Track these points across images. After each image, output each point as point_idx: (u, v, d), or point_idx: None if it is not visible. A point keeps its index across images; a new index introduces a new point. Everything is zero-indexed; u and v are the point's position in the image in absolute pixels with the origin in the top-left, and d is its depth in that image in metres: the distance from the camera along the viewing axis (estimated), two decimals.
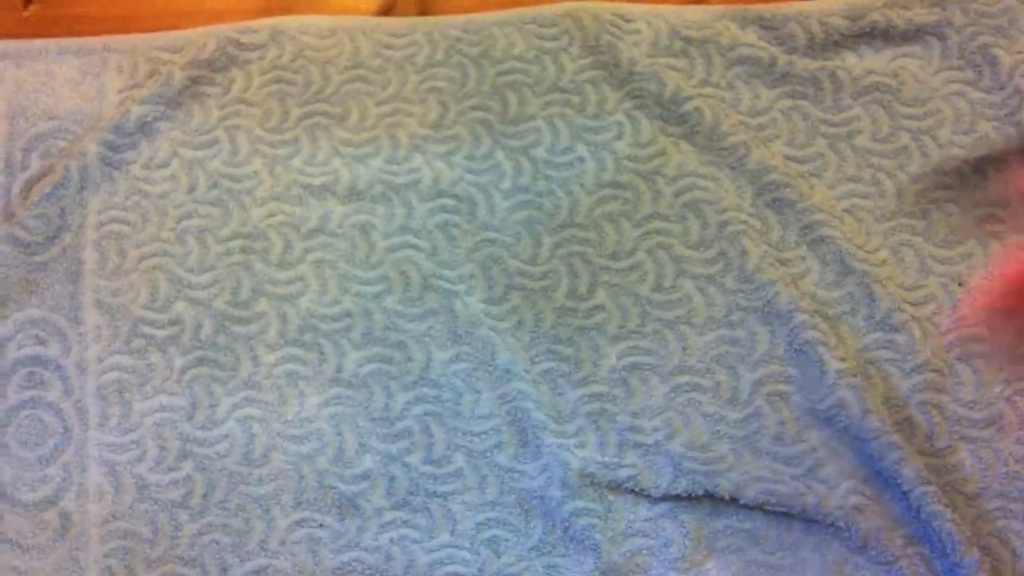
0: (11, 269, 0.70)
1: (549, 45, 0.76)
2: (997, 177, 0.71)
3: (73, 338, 0.69)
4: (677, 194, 0.72)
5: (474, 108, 0.74)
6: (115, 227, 0.71)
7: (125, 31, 0.77)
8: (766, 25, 0.76)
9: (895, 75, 0.74)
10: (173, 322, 0.69)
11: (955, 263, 0.70)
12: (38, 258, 0.70)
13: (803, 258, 0.70)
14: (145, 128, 0.73)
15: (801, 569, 0.64)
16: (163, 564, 0.65)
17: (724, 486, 0.65)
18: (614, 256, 0.71)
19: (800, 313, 0.68)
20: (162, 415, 0.68)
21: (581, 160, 0.73)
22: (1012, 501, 0.65)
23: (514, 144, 0.73)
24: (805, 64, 0.75)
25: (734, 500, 0.65)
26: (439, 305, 0.70)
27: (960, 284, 0.69)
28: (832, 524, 0.64)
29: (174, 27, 0.77)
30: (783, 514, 0.65)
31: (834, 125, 0.74)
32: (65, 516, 0.66)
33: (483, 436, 0.67)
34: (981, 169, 0.72)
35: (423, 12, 0.79)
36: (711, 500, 0.66)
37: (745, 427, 0.67)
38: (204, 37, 0.76)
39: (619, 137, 0.73)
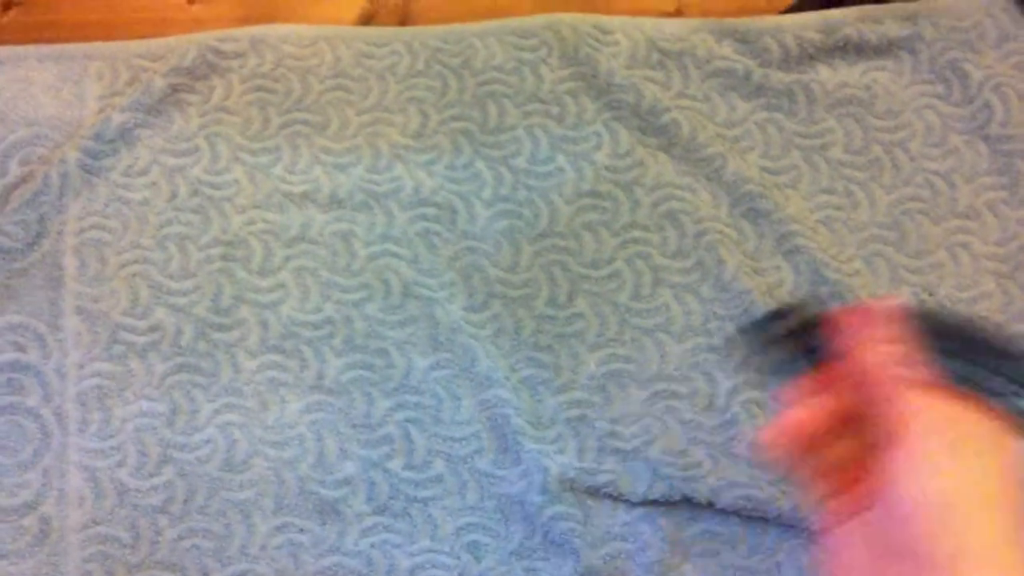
0: None
1: (528, 56, 0.77)
2: (966, 190, 0.73)
3: (53, 344, 0.69)
4: (655, 204, 0.73)
5: (455, 118, 0.75)
6: (95, 234, 0.71)
7: (105, 38, 0.76)
8: (741, 39, 0.77)
9: (867, 88, 0.76)
10: (153, 328, 0.69)
11: (925, 273, 0.71)
12: (18, 264, 0.70)
13: (778, 267, 0.71)
14: (125, 135, 0.73)
15: (776, 572, 0.65)
16: (144, 569, 0.65)
17: (701, 491, 0.66)
18: (593, 265, 0.71)
19: None
20: (142, 420, 0.67)
21: (561, 170, 0.74)
22: None
23: (494, 154, 0.74)
24: (780, 77, 0.76)
25: (711, 505, 0.66)
26: (420, 312, 0.70)
27: (930, 294, 0.70)
28: (807, 529, 0.65)
29: (155, 34, 0.77)
30: (759, 519, 0.66)
31: (808, 137, 0.75)
32: (45, 521, 0.65)
33: (463, 442, 0.67)
34: (951, 181, 0.73)
35: (403, 23, 0.80)
36: (688, 505, 0.66)
37: (722, 433, 0.67)
38: (184, 45, 0.75)
39: (598, 147, 0.74)
